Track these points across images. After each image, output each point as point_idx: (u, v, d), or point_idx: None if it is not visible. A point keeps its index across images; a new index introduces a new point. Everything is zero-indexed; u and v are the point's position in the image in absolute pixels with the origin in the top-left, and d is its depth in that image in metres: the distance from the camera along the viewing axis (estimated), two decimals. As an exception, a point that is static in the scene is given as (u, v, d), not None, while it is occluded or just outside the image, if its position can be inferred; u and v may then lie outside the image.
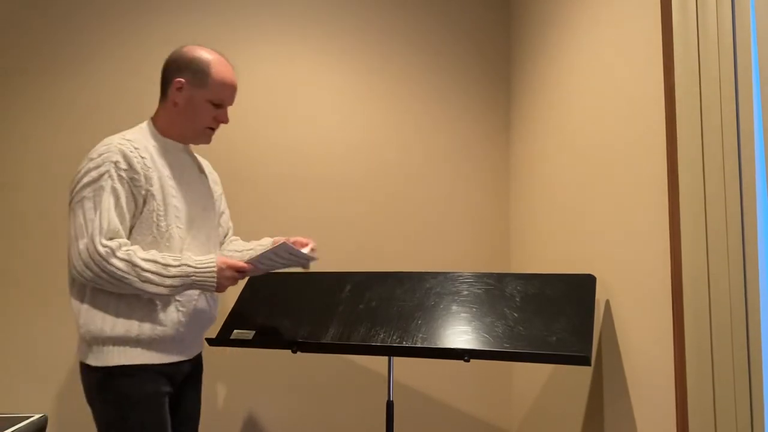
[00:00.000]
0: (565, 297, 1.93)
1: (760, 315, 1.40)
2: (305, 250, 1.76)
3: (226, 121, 1.74)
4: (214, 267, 1.59)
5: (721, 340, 1.48)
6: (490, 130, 2.83)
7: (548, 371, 2.42)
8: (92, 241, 1.51)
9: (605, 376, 2.05)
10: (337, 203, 2.63)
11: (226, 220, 1.96)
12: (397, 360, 2.63)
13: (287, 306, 2.11)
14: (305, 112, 2.64)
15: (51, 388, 2.31)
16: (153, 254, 1.56)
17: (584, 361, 1.70)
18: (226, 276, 1.60)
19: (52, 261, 2.35)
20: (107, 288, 1.54)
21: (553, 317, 1.86)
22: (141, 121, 2.44)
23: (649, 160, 1.84)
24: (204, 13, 2.57)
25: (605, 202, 2.06)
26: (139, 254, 1.54)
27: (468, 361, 1.81)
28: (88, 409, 2.33)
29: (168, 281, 1.55)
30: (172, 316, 1.62)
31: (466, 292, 2.03)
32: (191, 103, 1.68)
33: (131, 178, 1.58)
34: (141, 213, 1.60)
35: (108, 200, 1.54)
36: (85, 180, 1.56)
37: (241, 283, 2.43)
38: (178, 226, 1.65)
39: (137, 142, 1.63)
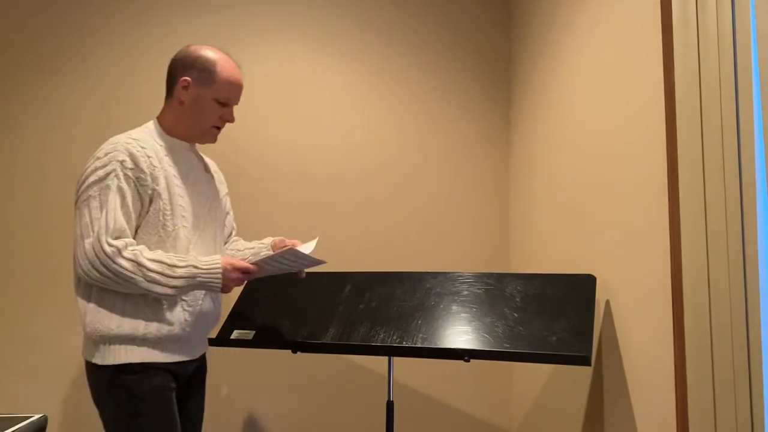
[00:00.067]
0: (565, 297, 1.93)
1: (760, 315, 1.40)
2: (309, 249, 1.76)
3: (232, 120, 1.74)
4: (219, 268, 1.58)
5: (721, 340, 1.48)
6: (490, 130, 2.83)
7: (548, 371, 2.42)
8: (98, 240, 1.51)
9: (605, 376, 2.05)
10: (337, 203, 2.63)
11: (230, 220, 1.96)
12: (397, 360, 2.63)
13: (287, 306, 2.11)
14: (305, 112, 2.64)
15: (51, 388, 2.31)
16: (159, 254, 1.55)
17: (584, 361, 1.70)
18: (231, 278, 1.60)
19: (51, 261, 2.35)
20: (113, 287, 1.54)
21: (553, 317, 1.86)
22: (139, 120, 2.44)
23: (649, 160, 1.84)
24: (203, 12, 2.57)
25: (605, 202, 2.06)
26: (145, 254, 1.54)
27: (468, 361, 1.81)
28: (88, 409, 2.33)
29: (173, 282, 1.54)
30: (178, 315, 1.62)
31: (466, 292, 2.03)
32: (197, 101, 1.68)
33: (137, 178, 1.58)
34: (147, 212, 1.60)
35: (114, 199, 1.54)
36: (92, 179, 1.56)
37: (241, 283, 2.43)
38: (184, 226, 1.65)
39: (144, 141, 1.63)
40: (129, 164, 1.57)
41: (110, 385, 1.56)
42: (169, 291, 1.55)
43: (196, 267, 1.57)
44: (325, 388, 2.56)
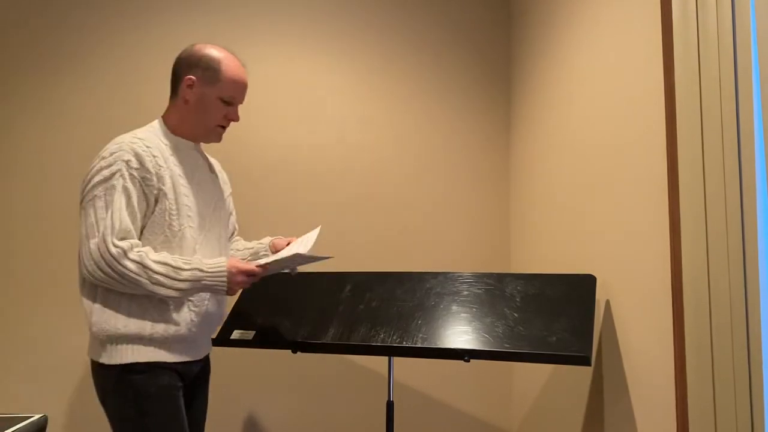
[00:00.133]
0: (566, 297, 1.93)
1: (760, 314, 1.40)
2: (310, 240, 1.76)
3: (236, 119, 1.73)
4: (225, 271, 1.58)
5: (721, 340, 1.48)
6: (490, 130, 2.83)
7: (548, 371, 2.42)
8: (104, 241, 1.50)
9: (605, 376, 2.05)
10: (337, 203, 2.63)
11: (233, 221, 1.96)
12: (397, 360, 2.63)
13: (287, 306, 2.11)
14: (305, 112, 2.64)
15: (51, 388, 2.31)
16: (164, 256, 1.55)
17: (584, 361, 1.70)
18: (237, 281, 1.59)
19: (51, 261, 2.35)
20: (117, 288, 1.53)
21: (553, 317, 1.86)
22: (139, 121, 2.44)
23: (649, 160, 1.84)
24: (204, 12, 2.57)
25: (605, 202, 2.06)
26: (151, 256, 1.53)
27: (468, 361, 1.81)
28: (88, 409, 2.33)
29: (178, 284, 1.54)
30: (185, 316, 1.62)
31: (466, 292, 2.03)
32: (202, 100, 1.67)
33: (143, 178, 1.57)
34: (153, 212, 1.59)
35: (119, 199, 1.53)
36: (97, 179, 1.55)
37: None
38: (190, 226, 1.64)
39: (149, 140, 1.62)
40: (134, 164, 1.56)
41: (117, 384, 1.55)
42: (174, 293, 1.54)
43: (201, 270, 1.56)
44: (325, 388, 2.56)
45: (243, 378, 2.48)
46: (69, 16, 2.45)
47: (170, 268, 1.54)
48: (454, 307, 1.98)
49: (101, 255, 1.50)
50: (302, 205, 2.60)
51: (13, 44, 2.40)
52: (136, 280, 1.51)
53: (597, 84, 2.14)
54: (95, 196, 1.54)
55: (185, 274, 1.55)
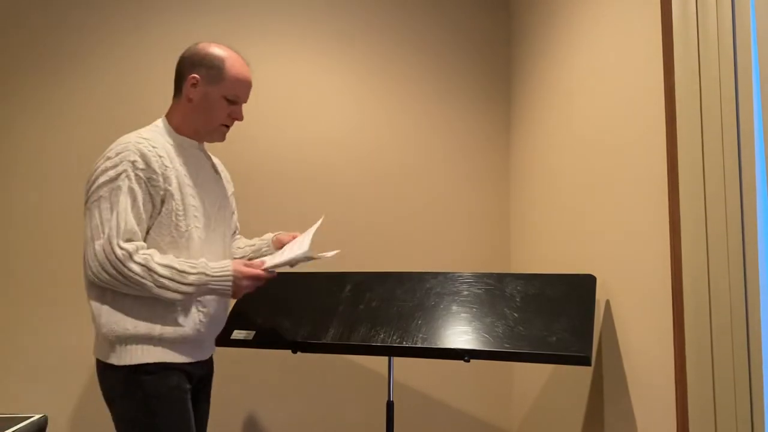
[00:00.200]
0: (566, 297, 1.93)
1: (760, 315, 1.40)
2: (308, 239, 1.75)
3: (240, 118, 1.72)
4: (230, 276, 1.57)
5: (721, 340, 1.48)
6: (490, 130, 2.83)
7: (548, 371, 2.42)
8: (109, 242, 1.49)
9: (605, 376, 2.05)
10: (338, 203, 2.63)
11: (234, 220, 1.95)
12: (397, 360, 2.63)
13: (287, 306, 2.11)
14: (305, 113, 2.64)
15: (51, 388, 2.31)
16: (170, 260, 1.54)
17: (584, 361, 1.70)
18: (242, 285, 1.59)
19: (51, 261, 2.35)
20: (122, 290, 1.52)
21: (553, 317, 1.86)
22: (139, 121, 2.44)
23: (649, 160, 1.84)
24: (204, 13, 2.57)
25: (605, 202, 2.06)
26: (156, 259, 1.52)
27: (468, 361, 1.81)
28: (88, 409, 2.33)
29: (184, 288, 1.53)
30: (193, 316, 1.61)
31: (466, 293, 2.03)
32: (206, 99, 1.66)
33: (149, 178, 1.56)
34: (159, 213, 1.58)
35: (125, 201, 1.52)
36: (102, 179, 1.54)
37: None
38: (196, 226, 1.63)
39: (155, 140, 1.61)
40: (140, 164, 1.55)
41: (126, 385, 1.54)
42: (179, 297, 1.54)
43: (206, 274, 1.55)
44: (325, 388, 2.56)
45: (243, 378, 2.48)
46: (69, 16, 2.45)
47: (175, 271, 1.53)
48: (454, 307, 1.98)
49: (106, 257, 1.49)
50: (302, 205, 2.60)
51: (13, 44, 2.40)
52: (141, 282, 1.50)
53: (597, 84, 2.14)
54: (100, 196, 1.53)
55: (191, 279, 1.54)
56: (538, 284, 2.00)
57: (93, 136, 2.43)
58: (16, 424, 1.90)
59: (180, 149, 1.67)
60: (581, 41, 2.25)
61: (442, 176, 2.75)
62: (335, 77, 2.68)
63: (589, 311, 1.85)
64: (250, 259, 1.91)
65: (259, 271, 1.61)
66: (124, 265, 1.48)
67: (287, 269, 2.29)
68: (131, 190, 1.53)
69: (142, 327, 1.55)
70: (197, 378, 1.71)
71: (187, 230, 1.61)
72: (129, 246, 1.50)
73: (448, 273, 2.13)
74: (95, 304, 1.56)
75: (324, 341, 1.92)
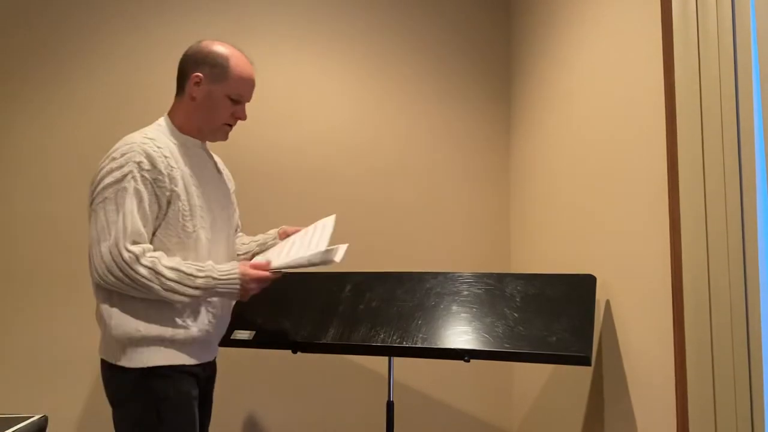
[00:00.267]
0: (566, 297, 1.93)
1: (760, 314, 1.40)
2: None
3: (244, 117, 1.70)
4: (237, 278, 1.56)
5: (721, 340, 1.48)
6: (490, 130, 2.83)
7: (548, 371, 2.42)
8: (116, 245, 1.47)
9: (605, 376, 2.04)
10: (338, 203, 2.63)
11: (236, 218, 1.95)
12: (397, 360, 2.63)
13: (287, 306, 2.11)
14: (305, 113, 2.64)
15: (51, 388, 2.31)
16: (177, 262, 1.52)
17: (584, 361, 1.70)
18: (249, 288, 1.58)
19: (51, 261, 2.35)
20: (129, 293, 1.51)
21: (553, 317, 1.86)
22: (140, 120, 2.44)
23: (649, 160, 1.84)
24: (205, 13, 2.57)
25: (605, 202, 2.06)
26: (163, 262, 1.50)
27: (468, 361, 1.81)
28: (88, 409, 2.33)
29: (191, 291, 1.52)
30: (203, 317, 1.61)
31: (466, 293, 2.03)
32: (209, 97, 1.64)
33: (155, 179, 1.54)
34: (166, 214, 1.56)
35: (131, 202, 1.50)
36: (107, 180, 1.52)
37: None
38: (203, 227, 1.62)
39: (159, 140, 1.59)
40: (146, 165, 1.53)
41: (135, 388, 1.52)
42: (185, 299, 1.53)
43: (214, 278, 1.54)
44: (325, 388, 2.56)
45: (243, 378, 2.48)
46: (70, 16, 2.45)
47: (183, 274, 1.51)
48: (454, 307, 1.98)
49: (113, 259, 1.47)
50: (302, 205, 2.59)
51: (13, 44, 2.40)
52: (149, 285, 1.48)
53: (597, 84, 2.14)
54: (106, 198, 1.51)
55: (198, 282, 1.52)
56: (538, 284, 2.00)
57: (94, 137, 2.43)
58: (16, 424, 1.89)
59: (184, 149, 1.65)
60: (581, 41, 2.25)
61: (442, 177, 2.75)
62: (335, 78, 2.68)
63: (589, 311, 1.85)
64: (255, 254, 1.90)
65: (266, 273, 1.60)
66: (131, 268, 1.47)
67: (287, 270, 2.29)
68: (137, 192, 1.51)
69: (153, 329, 1.53)
70: (204, 380, 1.70)
71: (194, 231, 1.60)
72: (136, 249, 1.48)
73: (448, 273, 2.13)
74: (105, 307, 1.54)
75: (324, 341, 1.92)
